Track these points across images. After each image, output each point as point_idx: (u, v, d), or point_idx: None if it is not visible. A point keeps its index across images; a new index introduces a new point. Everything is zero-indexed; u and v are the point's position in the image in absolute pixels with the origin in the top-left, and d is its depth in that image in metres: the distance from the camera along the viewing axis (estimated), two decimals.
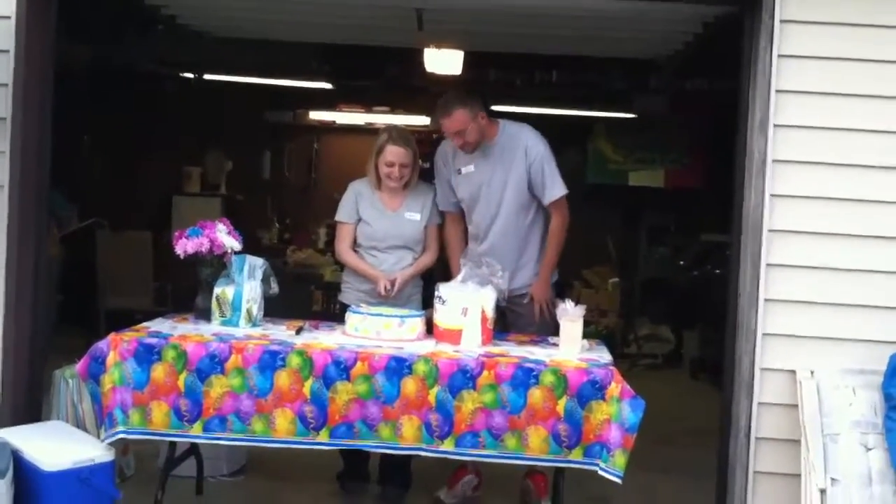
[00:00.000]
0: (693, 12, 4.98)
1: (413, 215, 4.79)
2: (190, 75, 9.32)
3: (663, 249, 9.65)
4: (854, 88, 4.13)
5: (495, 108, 9.24)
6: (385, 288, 4.62)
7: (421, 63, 7.34)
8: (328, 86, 9.56)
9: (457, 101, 4.62)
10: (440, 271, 4.96)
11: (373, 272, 4.72)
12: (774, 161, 4.15)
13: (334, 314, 4.98)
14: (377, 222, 4.77)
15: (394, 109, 9.78)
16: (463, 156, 4.76)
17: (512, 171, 4.69)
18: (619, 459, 3.83)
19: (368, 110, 9.91)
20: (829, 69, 4.13)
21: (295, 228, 9.79)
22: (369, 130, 10.06)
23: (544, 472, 4.65)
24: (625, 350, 8.79)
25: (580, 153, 9.78)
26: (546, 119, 9.58)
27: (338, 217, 4.88)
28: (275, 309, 4.58)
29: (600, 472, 3.88)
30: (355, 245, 4.82)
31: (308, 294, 8.26)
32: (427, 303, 4.66)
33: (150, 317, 4.63)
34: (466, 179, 4.77)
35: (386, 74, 9.37)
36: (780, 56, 4.13)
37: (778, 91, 4.14)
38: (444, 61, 7.16)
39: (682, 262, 9.24)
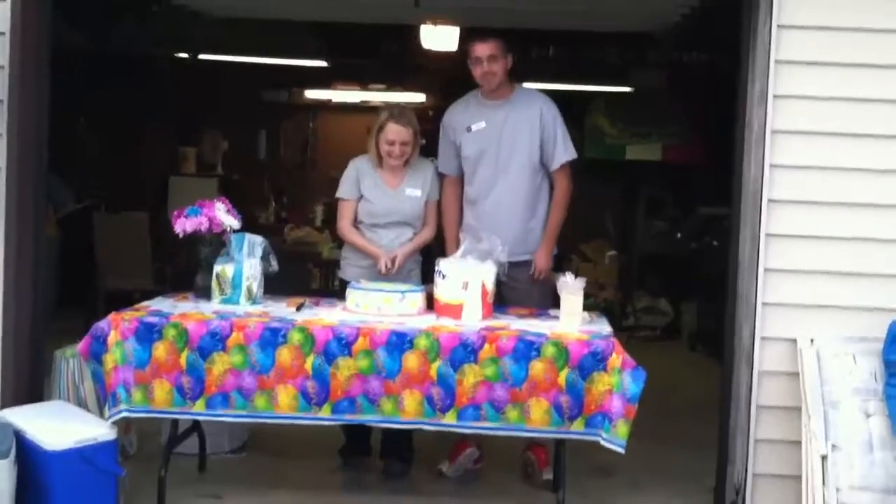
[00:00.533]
0: None
1: (414, 191, 4.79)
2: (185, 55, 9.26)
3: (661, 223, 9.65)
4: (854, 58, 4.11)
5: None
6: (386, 265, 4.63)
7: (417, 40, 7.30)
8: (324, 64, 9.52)
9: (493, 36, 4.74)
10: (439, 247, 4.96)
11: (373, 249, 4.72)
12: (774, 132, 4.15)
13: (333, 291, 4.99)
14: (379, 199, 4.77)
15: (390, 87, 9.75)
16: (474, 113, 4.78)
17: (524, 129, 4.72)
18: (622, 429, 3.85)
19: (364, 88, 9.87)
20: (829, 39, 4.12)
21: (292, 207, 9.78)
22: (365, 109, 10.04)
23: (545, 444, 4.67)
24: (623, 323, 8.80)
25: (578, 128, 9.77)
26: (543, 94, 9.63)
27: (339, 194, 4.87)
28: (273, 287, 4.59)
29: (602, 443, 3.90)
30: (356, 222, 4.82)
31: (307, 272, 8.26)
32: (426, 278, 4.66)
33: (148, 297, 4.63)
34: (476, 136, 4.77)
35: (382, 52, 9.32)
36: (779, 26, 4.11)
37: (777, 61, 4.13)
38: (440, 38, 7.12)
39: (679, 236, 9.25)
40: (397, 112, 4.76)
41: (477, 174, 4.79)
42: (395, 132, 4.69)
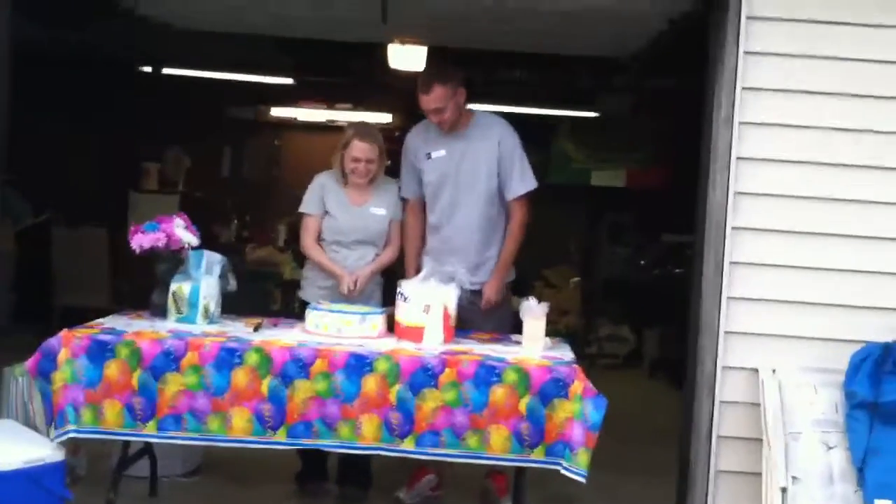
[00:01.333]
0: (659, 9, 4.97)
1: (378, 210, 4.75)
2: (148, 69, 9.16)
3: (623, 249, 9.66)
4: (820, 86, 4.13)
5: None
6: (348, 287, 4.56)
7: (384, 59, 7.26)
8: (290, 81, 9.46)
9: (436, 76, 4.61)
10: (401, 268, 4.90)
11: (337, 269, 4.67)
12: (739, 158, 4.15)
13: (294, 312, 4.90)
14: (342, 216, 4.72)
15: (356, 106, 9.70)
16: (434, 140, 4.72)
17: (483, 157, 4.67)
18: (583, 458, 3.79)
19: (331, 107, 9.82)
20: (795, 66, 4.14)
21: (254, 226, 9.67)
22: (331, 127, 9.97)
23: (504, 471, 4.61)
24: (585, 350, 8.77)
25: (544, 153, 9.77)
26: (510, 118, 9.60)
27: (303, 208, 4.80)
28: (233, 307, 4.50)
29: (563, 472, 3.84)
30: (319, 239, 4.75)
31: (267, 292, 8.17)
32: (388, 300, 4.60)
33: (106, 315, 4.52)
34: (436, 163, 4.72)
35: (349, 70, 9.27)
36: (745, 53, 4.13)
37: (744, 88, 4.14)
38: (407, 58, 7.09)
39: (642, 262, 9.26)
40: (363, 129, 4.73)
41: (438, 201, 4.75)
42: (361, 149, 4.64)
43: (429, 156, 4.73)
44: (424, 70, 4.68)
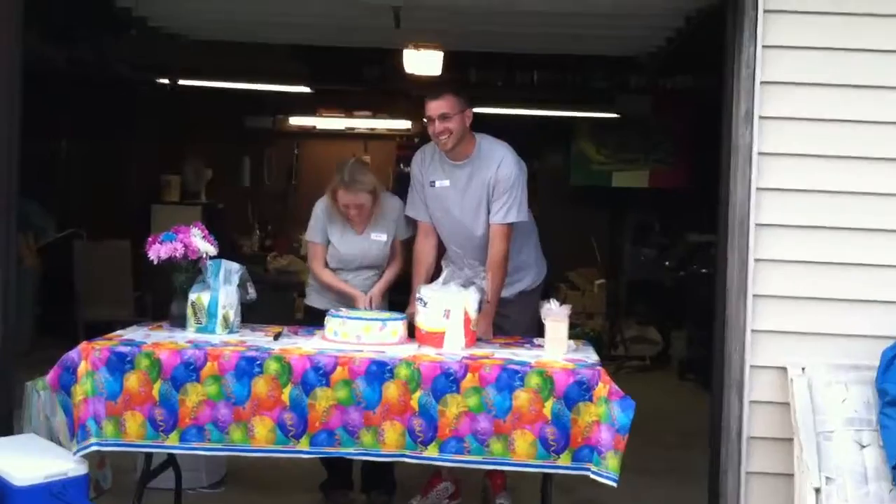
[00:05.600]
0: (675, 5, 4.91)
1: (379, 236, 4.74)
2: (166, 81, 9.19)
3: (648, 250, 9.59)
4: (840, 78, 4.06)
5: (476, 110, 9.20)
6: (365, 308, 4.58)
7: (400, 65, 7.24)
8: (307, 90, 9.46)
9: (449, 87, 4.55)
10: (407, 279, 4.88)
11: (351, 290, 4.69)
12: (760, 154, 4.09)
13: (300, 321, 4.91)
14: (344, 245, 4.73)
15: (375, 113, 9.69)
16: (438, 169, 4.62)
17: (485, 191, 4.53)
18: (612, 462, 3.71)
19: (349, 115, 9.81)
20: (814, 59, 4.07)
21: (276, 235, 9.69)
22: (350, 135, 9.98)
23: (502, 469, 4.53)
24: (612, 352, 8.71)
25: (563, 154, 9.73)
26: (528, 120, 9.62)
27: (308, 237, 4.85)
28: (257, 316, 4.47)
29: (592, 476, 3.76)
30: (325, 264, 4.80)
31: (290, 301, 8.14)
32: (395, 308, 4.58)
33: (129, 327, 4.50)
34: (439, 195, 4.63)
35: (366, 78, 9.27)
36: (764, 47, 4.07)
37: (762, 83, 4.08)
38: (423, 62, 7.05)
39: (667, 263, 9.18)
40: (348, 178, 4.59)
41: (443, 228, 4.69)
42: (347, 199, 4.62)
43: (433, 184, 4.65)
44: (440, 82, 4.59)
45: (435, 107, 4.48)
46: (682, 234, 9.09)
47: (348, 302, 4.64)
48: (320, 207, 4.79)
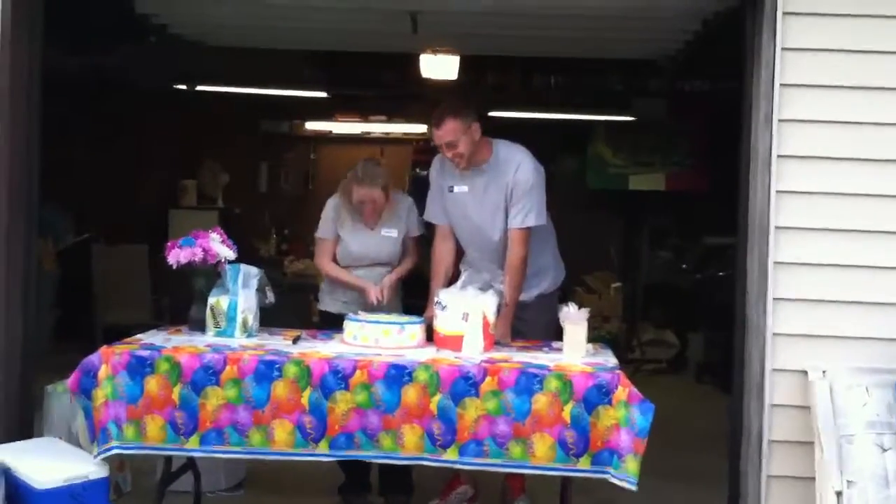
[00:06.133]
0: (694, 7, 4.90)
1: (390, 232, 4.77)
2: (183, 87, 9.23)
3: (665, 253, 9.57)
4: (859, 80, 4.05)
5: (493, 113, 9.21)
6: (377, 298, 4.59)
7: (417, 69, 7.25)
8: (324, 95, 9.48)
9: (448, 111, 4.48)
10: (420, 280, 4.88)
11: (360, 282, 4.71)
12: (780, 157, 4.07)
13: (314, 325, 4.92)
14: (354, 240, 4.76)
15: (391, 118, 9.70)
16: (456, 173, 4.61)
17: (503, 195, 4.53)
18: (632, 465, 3.71)
19: (365, 119, 9.83)
20: (834, 61, 4.06)
21: (293, 239, 9.70)
22: (366, 140, 9.99)
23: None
24: (629, 356, 8.69)
25: (580, 158, 9.72)
26: (545, 123, 9.61)
27: (318, 233, 4.89)
28: (274, 320, 4.49)
29: (612, 479, 3.76)
30: (334, 261, 4.82)
31: (307, 304, 8.14)
32: (408, 311, 4.58)
33: (147, 331, 4.53)
34: (458, 200, 4.64)
35: (382, 82, 9.29)
36: (783, 49, 4.05)
37: (782, 85, 4.07)
38: (440, 66, 7.07)
39: (684, 266, 9.15)
40: (363, 173, 4.67)
41: (463, 232, 4.70)
42: (363, 194, 4.68)
43: (451, 189, 4.65)
44: (439, 106, 4.56)
45: (439, 136, 4.50)
46: (698, 237, 9.06)
47: (360, 302, 4.63)
48: (331, 205, 4.84)
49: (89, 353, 3.99)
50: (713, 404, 6.55)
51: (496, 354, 4.07)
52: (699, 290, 8.66)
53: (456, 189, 4.64)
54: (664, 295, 9.27)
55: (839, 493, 3.73)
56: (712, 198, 7.94)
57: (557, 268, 4.85)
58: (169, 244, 4.33)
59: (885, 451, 3.78)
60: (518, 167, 4.52)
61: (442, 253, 4.75)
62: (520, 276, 4.50)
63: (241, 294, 4.24)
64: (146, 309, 8.39)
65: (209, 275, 4.32)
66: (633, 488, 3.72)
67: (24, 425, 4.35)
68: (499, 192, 4.54)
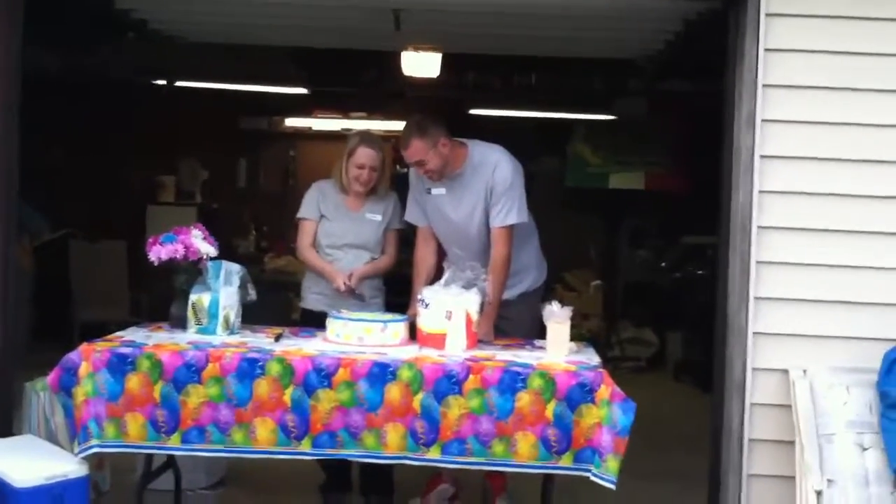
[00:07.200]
0: (675, 8, 4.91)
1: (374, 216, 4.77)
2: (162, 82, 9.17)
3: (644, 252, 9.61)
4: (842, 81, 4.07)
5: (474, 111, 9.23)
6: (344, 283, 4.57)
7: (398, 67, 7.23)
8: (304, 91, 9.45)
9: (413, 131, 4.46)
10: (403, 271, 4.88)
11: (329, 268, 4.70)
12: (762, 157, 4.09)
13: (295, 322, 4.90)
14: (337, 220, 4.75)
15: (371, 115, 9.68)
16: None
17: (481, 195, 4.53)
18: (612, 464, 3.72)
19: (345, 116, 9.80)
20: (817, 62, 4.08)
21: (272, 236, 9.66)
22: (346, 137, 9.92)
23: (502, 471, 4.53)
24: (608, 353, 8.71)
25: (560, 156, 9.73)
26: (525, 122, 9.62)
27: (300, 214, 4.85)
28: (253, 317, 4.46)
29: (592, 478, 3.77)
30: (315, 245, 4.80)
31: (287, 301, 8.11)
32: (391, 309, 4.58)
33: (125, 328, 4.49)
34: (436, 202, 4.64)
35: (363, 79, 9.26)
36: (766, 50, 4.07)
37: (765, 86, 4.08)
38: (421, 64, 7.05)
39: (663, 265, 9.20)
40: (368, 137, 4.78)
41: (441, 234, 4.72)
42: (366, 156, 4.67)
43: (429, 191, 4.65)
44: (405, 125, 4.56)
45: (408, 156, 4.51)
46: (677, 237, 9.11)
47: (343, 303, 4.61)
48: (315, 187, 4.85)
49: (67, 350, 3.95)
50: (691, 403, 6.59)
51: (479, 353, 4.07)
52: (678, 289, 8.71)
53: (434, 191, 4.64)
54: (643, 293, 9.32)
55: (819, 493, 3.75)
56: (692, 197, 7.98)
57: (540, 266, 4.86)
58: (150, 240, 4.29)
59: (865, 450, 3.81)
60: (495, 167, 4.52)
61: (424, 253, 4.75)
62: (503, 275, 4.50)
63: (223, 291, 4.22)
64: (124, 306, 8.34)
65: (190, 271, 4.29)
66: (613, 487, 3.73)
67: (3, 424, 4.31)
68: (477, 193, 4.54)
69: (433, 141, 4.45)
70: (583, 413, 3.77)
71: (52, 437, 4.39)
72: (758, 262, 4.09)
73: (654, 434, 5.94)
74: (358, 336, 4.10)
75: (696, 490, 4.47)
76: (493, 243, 4.53)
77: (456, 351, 4.05)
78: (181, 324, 4.27)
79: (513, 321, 4.62)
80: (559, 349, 4.08)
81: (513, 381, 3.79)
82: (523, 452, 3.79)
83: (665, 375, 8.60)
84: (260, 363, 3.84)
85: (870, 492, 3.74)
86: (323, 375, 3.82)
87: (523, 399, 3.78)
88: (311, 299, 4.83)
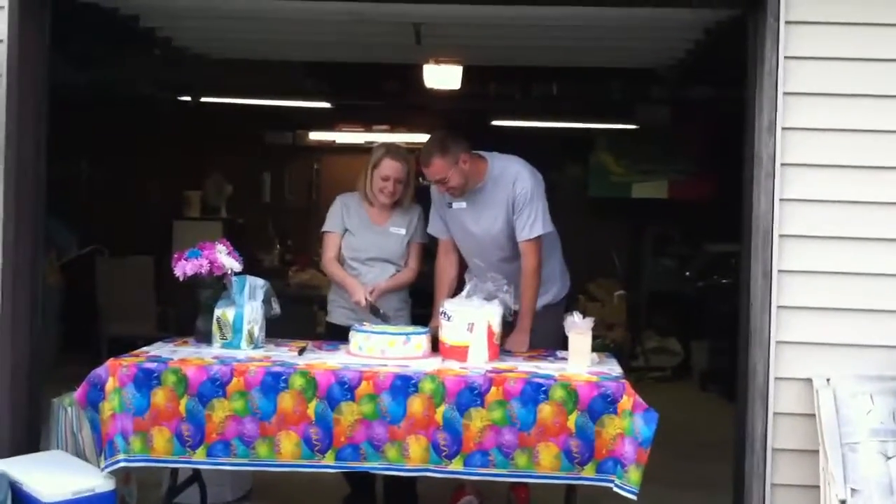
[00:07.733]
0: (695, 17, 4.92)
1: (398, 230, 4.78)
2: (187, 98, 9.26)
3: (668, 261, 9.57)
4: (862, 88, 4.06)
5: (495, 122, 9.25)
6: (365, 298, 4.57)
7: (420, 79, 7.28)
8: (327, 105, 9.51)
9: (434, 149, 4.48)
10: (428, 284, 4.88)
11: (351, 281, 4.69)
12: (783, 165, 4.08)
13: (321, 336, 4.93)
14: (361, 234, 4.76)
15: (394, 128, 9.72)
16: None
17: (502, 209, 4.55)
18: (634, 475, 3.72)
19: (368, 129, 9.85)
20: (837, 69, 4.07)
21: (296, 250, 9.71)
22: (369, 150, 9.97)
23: (527, 483, 4.53)
24: (632, 363, 8.68)
25: (583, 166, 9.73)
26: (548, 132, 9.63)
27: (325, 227, 4.87)
28: (278, 331, 4.50)
29: (615, 489, 3.78)
30: (339, 258, 4.81)
31: (311, 315, 8.16)
32: (417, 322, 4.59)
33: (153, 343, 4.54)
34: (457, 216, 4.66)
35: (385, 92, 9.31)
36: (786, 58, 4.07)
37: (785, 93, 4.07)
38: (443, 77, 7.09)
39: (687, 273, 9.16)
40: (394, 148, 4.78)
41: (464, 247, 4.73)
42: (391, 168, 4.69)
43: (450, 205, 4.67)
44: (425, 143, 4.58)
45: (429, 175, 4.53)
46: (701, 245, 9.07)
47: (368, 317, 4.63)
48: (339, 201, 4.86)
49: (95, 365, 4.00)
50: (717, 412, 6.55)
51: (501, 364, 4.08)
52: (702, 298, 8.67)
53: (455, 205, 4.66)
54: (668, 303, 9.28)
55: (843, 502, 3.73)
56: (715, 205, 7.95)
57: (563, 278, 4.87)
58: (175, 256, 4.35)
59: (889, 458, 3.79)
60: (515, 179, 4.54)
61: (445, 266, 4.78)
62: (535, 285, 4.52)
63: (248, 306, 4.27)
64: (151, 321, 8.41)
65: (215, 286, 4.33)
66: (634, 497, 3.74)
67: (31, 439, 4.36)
68: (498, 206, 4.56)
69: (454, 158, 4.47)
70: (605, 424, 3.78)
71: (79, 453, 4.43)
72: (780, 271, 4.08)
73: (681, 443, 5.94)
74: (381, 349, 4.12)
75: (721, 499, 4.46)
76: (522, 256, 4.55)
77: (478, 363, 4.06)
78: (206, 338, 4.31)
79: (537, 333, 4.61)
80: (581, 360, 4.08)
81: (535, 392, 3.81)
82: (546, 463, 3.80)
83: (691, 385, 8.55)
84: (284, 377, 3.87)
85: (894, 500, 3.71)
86: (346, 388, 3.84)
87: (545, 410, 3.79)
88: (338, 314, 4.84)
